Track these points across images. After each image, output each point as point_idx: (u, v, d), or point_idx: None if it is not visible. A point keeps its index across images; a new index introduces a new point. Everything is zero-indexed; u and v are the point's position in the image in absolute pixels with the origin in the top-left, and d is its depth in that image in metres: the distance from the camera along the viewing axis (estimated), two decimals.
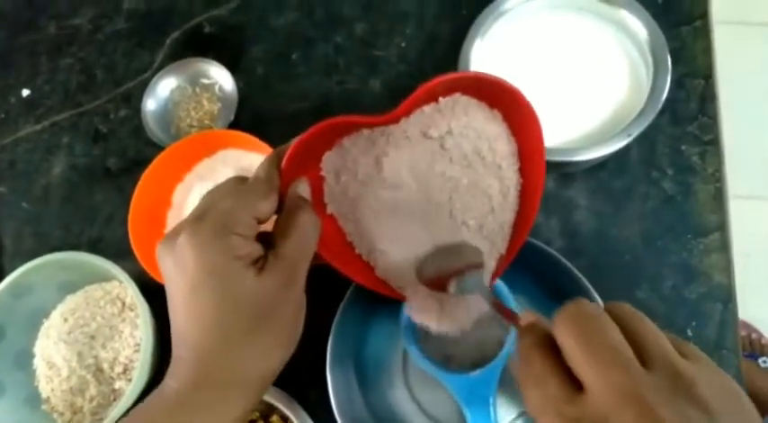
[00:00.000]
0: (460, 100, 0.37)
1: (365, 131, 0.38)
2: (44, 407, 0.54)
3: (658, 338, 0.25)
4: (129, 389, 0.49)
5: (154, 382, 0.53)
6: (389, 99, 0.61)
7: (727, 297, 0.50)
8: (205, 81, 0.64)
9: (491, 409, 0.44)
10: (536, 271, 0.48)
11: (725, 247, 0.51)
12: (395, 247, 0.41)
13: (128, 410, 0.50)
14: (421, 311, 0.41)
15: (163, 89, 0.64)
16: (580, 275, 0.46)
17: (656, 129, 0.54)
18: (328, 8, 0.66)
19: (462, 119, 0.38)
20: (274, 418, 0.51)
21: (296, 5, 0.66)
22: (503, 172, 0.40)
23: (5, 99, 0.69)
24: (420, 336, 0.46)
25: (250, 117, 0.63)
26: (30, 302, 0.55)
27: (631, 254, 0.53)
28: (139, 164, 0.58)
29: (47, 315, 0.57)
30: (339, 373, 0.49)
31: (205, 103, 0.63)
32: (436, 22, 0.63)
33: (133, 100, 0.65)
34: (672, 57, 0.50)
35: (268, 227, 0.35)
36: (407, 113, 0.36)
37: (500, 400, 0.49)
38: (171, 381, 0.33)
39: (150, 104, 0.63)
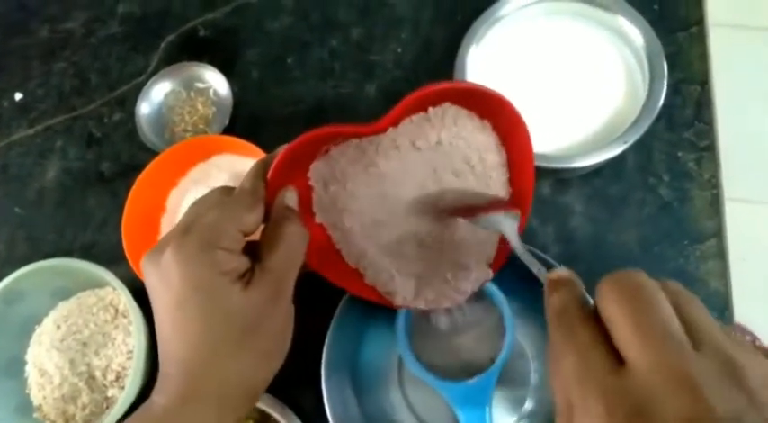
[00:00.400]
0: (450, 110, 0.37)
1: (354, 141, 0.38)
2: (36, 415, 0.53)
3: (709, 320, 0.24)
4: (122, 396, 0.49)
5: (147, 390, 0.52)
6: (384, 104, 0.60)
7: (723, 304, 0.50)
8: (200, 85, 0.63)
9: (487, 416, 0.44)
10: (531, 278, 0.48)
11: (721, 253, 0.51)
12: (384, 255, 0.41)
13: (120, 418, 0.49)
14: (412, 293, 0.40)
15: (157, 93, 0.63)
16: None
17: (653, 135, 0.53)
18: (324, 12, 0.65)
19: (452, 129, 0.38)
20: None
21: (291, 9, 0.66)
22: (492, 182, 0.40)
23: None
24: (416, 343, 0.46)
25: (245, 121, 0.62)
26: (22, 309, 0.55)
27: (628, 260, 0.52)
28: (133, 168, 0.58)
29: (39, 322, 0.56)
30: (334, 379, 0.48)
31: (200, 107, 0.63)
32: (432, 27, 0.63)
33: (127, 104, 0.65)
34: (668, 63, 0.50)
35: (256, 236, 0.35)
36: (395, 123, 0.36)
37: (496, 407, 0.48)
38: (158, 397, 0.32)
39: (144, 108, 0.63)
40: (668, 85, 0.49)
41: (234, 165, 0.56)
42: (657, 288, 0.24)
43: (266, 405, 0.49)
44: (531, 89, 0.53)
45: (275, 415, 0.49)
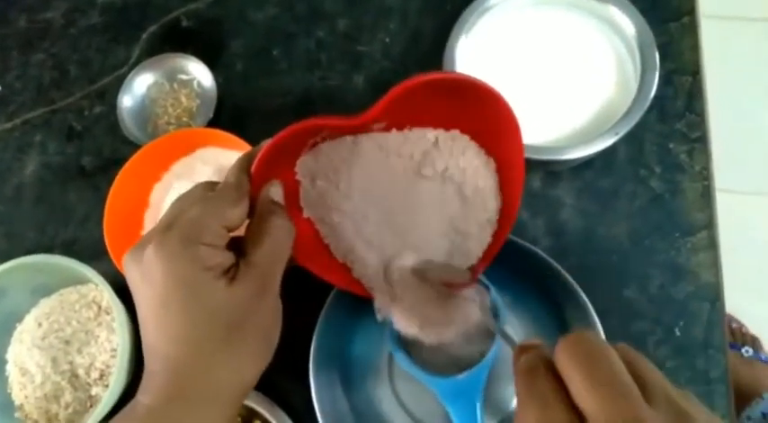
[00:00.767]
0: (459, 140, 0.38)
1: (341, 137, 0.37)
2: (17, 414, 0.52)
3: (659, 376, 0.25)
4: (106, 395, 0.48)
5: (131, 388, 0.51)
6: (373, 95, 0.59)
7: (714, 296, 0.50)
8: (183, 77, 0.62)
9: (478, 412, 0.43)
10: (521, 270, 0.48)
11: (713, 245, 0.51)
12: (371, 251, 0.40)
13: (105, 417, 0.48)
14: (403, 321, 0.40)
15: (139, 85, 0.62)
16: (567, 275, 0.46)
17: (644, 127, 0.53)
18: (310, 2, 0.64)
19: (460, 159, 0.38)
20: (256, 422, 0.50)
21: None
22: (481, 206, 0.40)
23: None
24: (406, 339, 0.45)
25: (230, 114, 0.61)
26: (2, 307, 0.54)
27: (619, 253, 0.52)
28: (115, 163, 0.57)
29: (20, 319, 0.55)
30: (322, 375, 0.48)
31: (183, 99, 0.61)
32: (420, 17, 0.62)
33: (108, 97, 0.63)
34: (659, 53, 0.49)
35: (241, 231, 0.34)
36: (383, 114, 0.35)
37: (485, 403, 0.48)
38: (143, 396, 0.32)
39: (126, 101, 0.61)
40: (659, 76, 0.49)
41: (219, 158, 0.55)
42: (608, 346, 0.25)
43: (254, 402, 0.48)
44: (521, 80, 0.52)
45: (263, 412, 0.48)
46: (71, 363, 0.52)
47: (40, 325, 0.54)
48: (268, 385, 0.48)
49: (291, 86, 0.61)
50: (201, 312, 0.31)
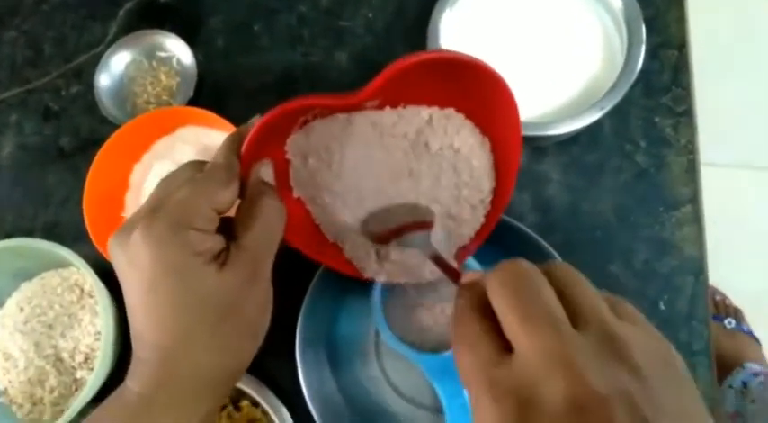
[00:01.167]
0: (454, 118, 0.37)
1: (333, 116, 0.36)
2: (2, 399, 0.52)
3: (593, 299, 0.24)
4: (91, 378, 0.47)
5: (117, 371, 0.51)
6: (356, 72, 0.59)
7: (698, 269, 0.50)
8: (162, 54, 0.60)
9: (464, 388, 0.43)
10: (508, 247, 0.47)
11: (697, 219, 0.51)
12: (362, 234, 0.39)
13: (91, 401, 0.48)
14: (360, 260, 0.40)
15: (117, 64, 0.60)
16: (552, 251, 0.46)
17: (630, 101, 0.53)
18: None
19: (454, 138, 0.37)
20: (244, 403, 0.50)
21: None
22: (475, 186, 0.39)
23: None
24: (392, 316, 0.45)
25: (210, 92, 0.60)
26: None
27: (604, 228, 0.52)
28: (94, 143, 0.55)
29: (1, 304, 0.54)
30: (309, 355, 0.48)
31: (163, 77, 0.60)
32: None
33: (85, 75, 0.61)
34: (645, 26, 0.49)
35: (231, 213, 0.33)
36: (376, 94, 0.34)
37: None
38: (132, 383, 0.31)
39: (104, 80, 0.60)
40: (645, 50, 0.48)
41: (200, 137, 0.54)
42: (537, 272, 0.24)
43: (242, 383, 0.48)
44: (506, 54, 0.51)
45: (251, 393, 0.48)
46: (55, 347, 0.52)
47: (21, 309, 0.53)
48: (256, 366, 0.47)
49: (273, 63, 0.60)
50: (192, 299, 0.30)
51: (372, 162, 0.38)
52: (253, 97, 0.59)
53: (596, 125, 0.50)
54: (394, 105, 0.37)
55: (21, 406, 0.51)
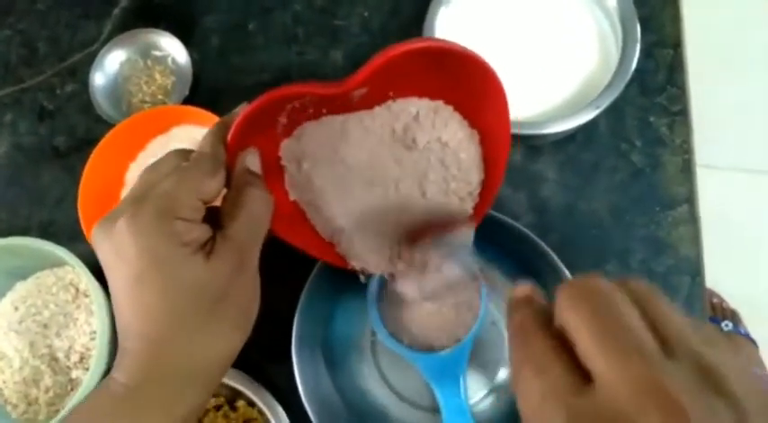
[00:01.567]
0: (442, 111, 0.37)
1: (324, 118, 0.36)
2: None
3: (680, 323, 0.22)
4: (87, 378, 0.47)
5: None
6: (351, 71, 0.58)
7: (695, 270, 0.50)
8: (157, 53, 0.60)
9: (461, 387, 0.44)
10: (504, 246, 0.48)
11: (693, 218, 0.51)
12: (357, 230, 0.39)
13: None
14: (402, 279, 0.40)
15: (112, 62, 0.60)
16: (549, 250, 0.46)
17: (625, 100, 0.53)
18: None
19: (440, 132, 0.37)
20: (240, 403, 0.50)
21: None
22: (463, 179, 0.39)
23: None
24: (388, 315, 0.45)
25: (206, 91, 0.60)
26: None
27: (600, 228, 0.52)
28: (89, 143, 0.55)
29: None
30: (305, 354, 0.48)
31: (158, 76, 0.60)
32: None
33: (80, 74, 0.61)
34: (640, 25, 0.49)
35: (218, 202, 0.33)
36: (364, 83, 0.34)
37: (470, 378, 0.48)
38: (118, 374, 0.31)
39: (99, 79, 0.59)
40: (640, 49, 0.48)
41: (195, 136, 0.54)
42: (619, 292, 0.22)
43: (238, 382, 0.48)
44: (502, 53, 0.51)
45: (247, 392, 0.48)
46: (50, 346, 0.51)
47: (16, 309, 0.53)
48: (252, 365, 0.48)
49: (268, 62, 0.60)
50: (178, 289, 0.30)
51: (363, 159, 0.38)
52: (248, 96, 0.57)
53: (592, 125, 0.50)
54: (383, 97, 0.37)
55: (15, 406, 0.51)
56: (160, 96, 0.59)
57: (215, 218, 0.32)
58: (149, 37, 0.60)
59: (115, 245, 0.30)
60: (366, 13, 0.60)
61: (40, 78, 0.58)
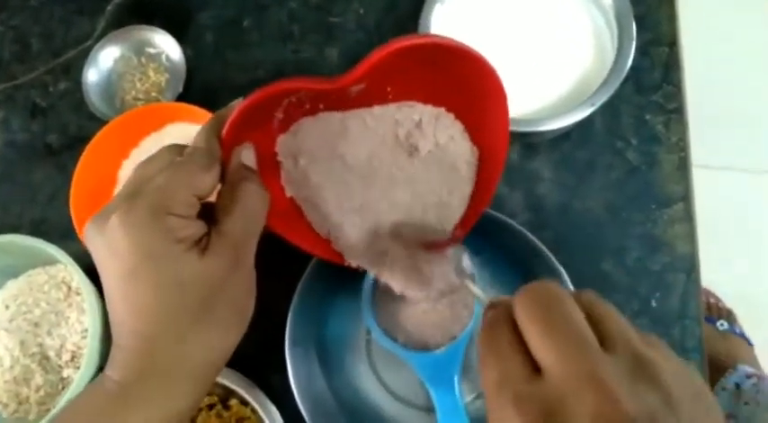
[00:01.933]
0: (443, 119, 0.37)
1: (322, 114, 0.36)
2: None
3: (621, 323, 0.24)
4: (78, 377, 0.47)
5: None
6: (347, 68, 0.58)
7: (690, 267, 0.50)
8: (151, 50, 0.60)
9: (456, 387, 0.43)
10: (501, 245, 0.47)
11: (689, 216, 0.51)
12: (354, 229, 0.39)
13: None
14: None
15: (105, 59, 0.60)
16: (544, 249, 0.46)
17: (621, 98, 0.53)
18: None
19: (443, 135, 0.37)
20: (233, 402, 0.50)
21: None
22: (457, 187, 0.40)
23: None
24: (383, 314, 0.45)
25: (200, 88, 0.59)
26: None
27: (596, 226, 0.52)
28: (82, 140, 0.55)
29: None
30: (299, 353, 0.47)
31: (151, 73, 0.59)
32: None
33: (73, 71, 0.61)
34: (636, 23, 0.49)
35: (212, 197, 0.33)
36: (362, 79, 0.34)
37: (464, 377, 0.48)
38: (112, 372, 0.30)
39: (92, 76, 0.59)
40: (636, 47, 0.48)
41: (189, 133, 0.54)
42: (567, 295, 0.25)
43: (231, 381, 0.47)
44: (497, 50, 0.51)
45: (240, 391, 0.47)
46: (41, 345, 0.51)
47: (7, 307, 0.52)
48: (245, 364, 0.47)
49: (263, 59, 0.60)
50: (173, 286, 0.30)
51: (362, 159, 0.38)
52: (242, 94, 0.57)
53: (587, 122, 0.50)
54: (381, 91, 0.36)
55: (6, 405, 0.51)
56: (154, 93, 0.59)
57: (210, 214, 0.32)
58: (143, 34, 0.60)
59: (108, 241, 0.29)
60: (361, 10, 0.60)
61: (32, 75, 0.58)
